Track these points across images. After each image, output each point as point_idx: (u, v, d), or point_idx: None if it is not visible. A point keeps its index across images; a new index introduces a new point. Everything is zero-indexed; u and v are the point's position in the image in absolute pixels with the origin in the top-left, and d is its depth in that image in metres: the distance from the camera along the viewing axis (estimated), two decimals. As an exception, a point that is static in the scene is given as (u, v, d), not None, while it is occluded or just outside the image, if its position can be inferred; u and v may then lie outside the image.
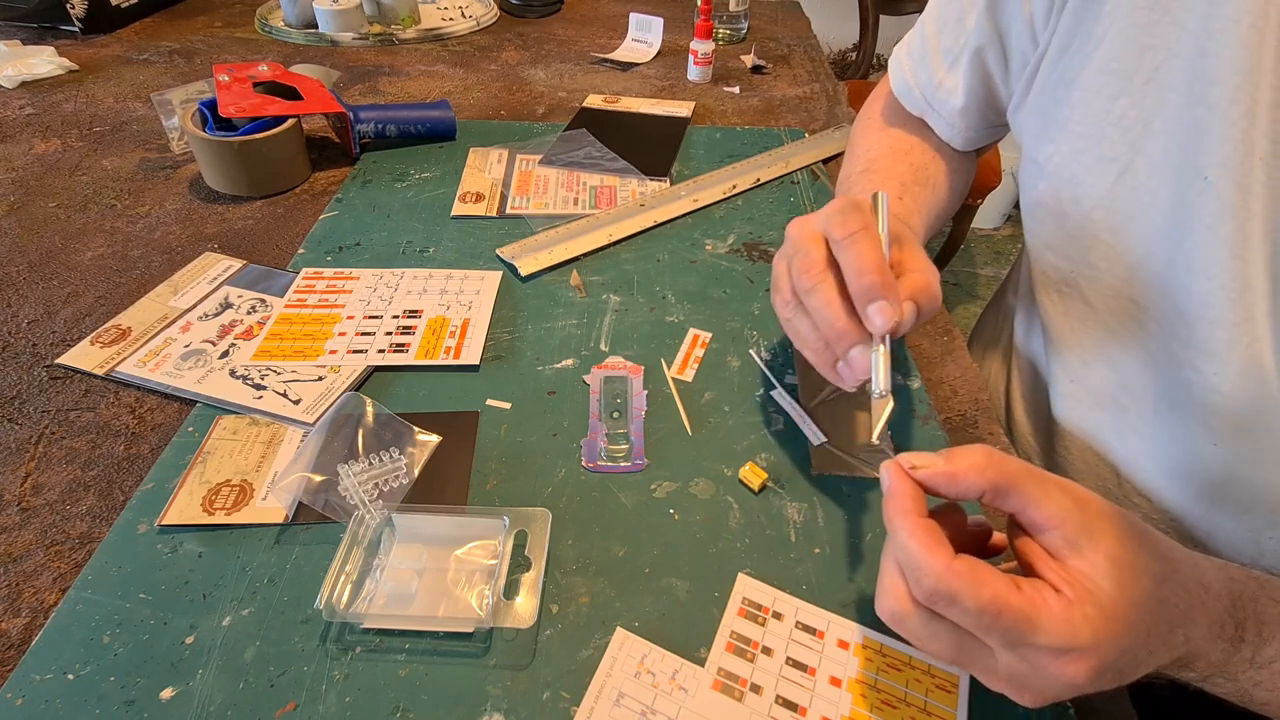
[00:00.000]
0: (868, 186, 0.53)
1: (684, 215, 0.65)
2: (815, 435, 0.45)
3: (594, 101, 0.85)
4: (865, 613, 0.36)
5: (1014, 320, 0.60)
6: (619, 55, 0.99)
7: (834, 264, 0.37)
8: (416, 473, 0.42)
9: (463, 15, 1.09)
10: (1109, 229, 0.43)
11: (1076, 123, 0.43)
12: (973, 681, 0.34)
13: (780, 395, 0.48)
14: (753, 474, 0.42)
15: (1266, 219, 0.36)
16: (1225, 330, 0.39)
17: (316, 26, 1.02)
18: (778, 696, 0.33)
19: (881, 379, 0.36)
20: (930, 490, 0.31)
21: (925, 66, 0.54)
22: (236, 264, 0.58)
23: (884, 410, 0.36)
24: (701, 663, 0.34)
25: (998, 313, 0.66)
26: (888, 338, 0.36)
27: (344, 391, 0.46)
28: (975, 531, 0.33)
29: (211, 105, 0.67)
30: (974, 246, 2.18)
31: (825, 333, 0.37)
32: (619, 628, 0.35)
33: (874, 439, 0.36)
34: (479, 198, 0.67)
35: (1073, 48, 0.43)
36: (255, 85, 0.70)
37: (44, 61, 0.89)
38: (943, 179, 0.56)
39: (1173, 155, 0.39)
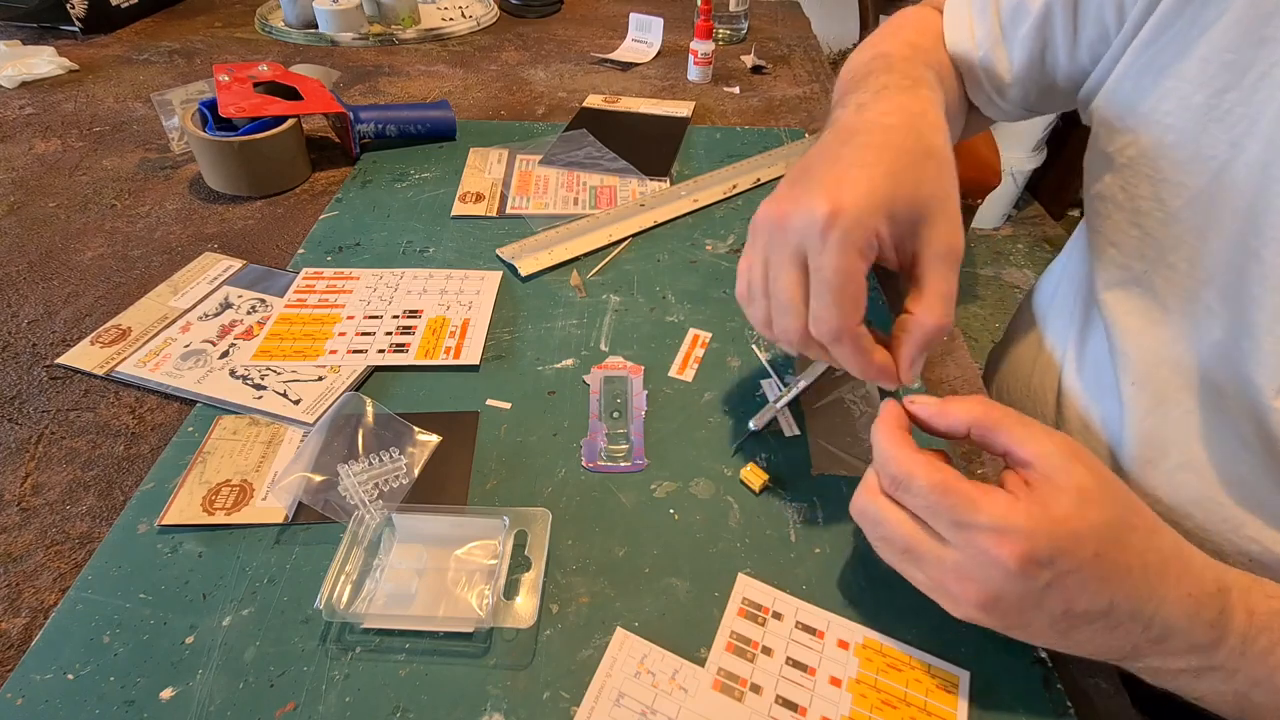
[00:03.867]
0: (882, 64, 0.45)
1: (684, 215, 0.65)
2: (790, 426, 0.45)
3: (594, 101, 0.85)
4: (866, 613, 0.36)
5: (1051, 325, 0.57)
6: (619, 55, 0.99)
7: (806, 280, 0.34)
8: (416, 473, 0.42)
9: (463, 15, 1.09)
10: (1195, 230, 0.40)
11: (1167, 114, 0.39)
12: (973, 682, 0.34)
13: (771, 386, 0.47)
14: (754, 475, 0.42)
15: None
16: None
17: (316, 26, 1.02)
18: (778, 696, 0.33)
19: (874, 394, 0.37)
20: (919, 422, 0.34)
21: (985, 20, 0.48)
22: (236, 264, 0.58)
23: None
24: (701, 663, 0.34)
25: (1026, 314, 0.62)
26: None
27: (344, 391, 0.46)
28: None
29: (211, 105, 0.67)
30: (974, 246, 2.18)
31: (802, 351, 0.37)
32: (619, 628, 0.35)
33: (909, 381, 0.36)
34: (479, 198, 0.67)
35: (1173, 30, 0.38)
36: (255, 85, 0.70)
37: (44, 61, 0.89)
38: (956, 96, 0.51)
39: (1268, 158, 0.36)
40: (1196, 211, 0.39)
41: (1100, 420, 0.50)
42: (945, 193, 0.35)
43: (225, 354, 0.49)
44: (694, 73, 0.92)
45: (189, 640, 0.35)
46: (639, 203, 0.66)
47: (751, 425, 0.44)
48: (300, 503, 0.40)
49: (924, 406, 0.34)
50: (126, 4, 1.05)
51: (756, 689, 0.33)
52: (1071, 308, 0.55)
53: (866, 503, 0.33)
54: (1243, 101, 0.36)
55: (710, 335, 0.52)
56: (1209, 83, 0.37)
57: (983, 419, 0.32)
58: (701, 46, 0.90)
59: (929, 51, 0.49)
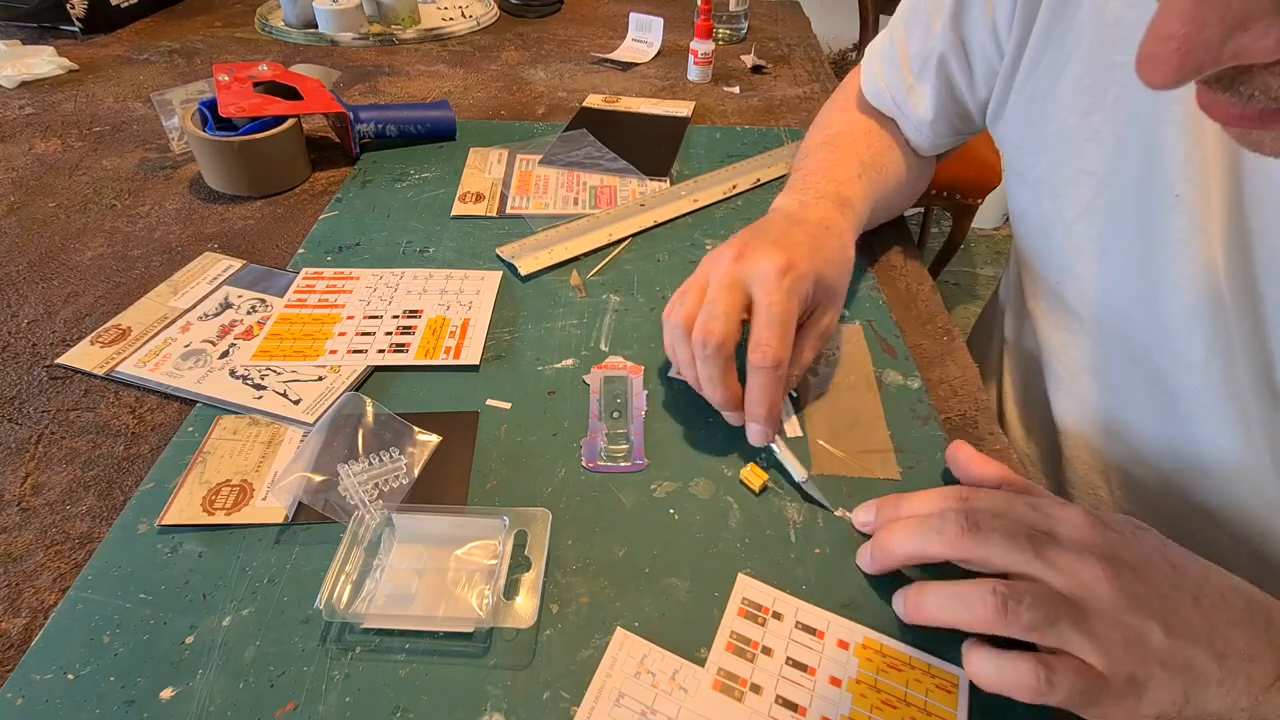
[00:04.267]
0: (826, 159, 0.54)
1: (684, 215, 0.65)
2: (794, 427, 0.45)
3: (594, 101, 0.85)
4: (866, 613, 0.36)
5: (1005, 321, 0.60)
6: (619, 55, 0.99)
7: (737, 321, 0.41)
8: (416, 473, 0.42)
9: (463, 15, 1.09)
10: (1091, 240, 0.43)
11: (1054, 135, 0.44)
12: (972, 683, 0.34)
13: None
14: (754, 475, 0.42)
15: (1225, 235, 0.36)
16: (1203, 347, 0.39)
17: (316, 26, 1.02)
18: (778, 696, 0.33)
19: (795, 467, 0.42)
20: (959, 465, 0.41)
21: (895, 70, 0.54)
22: (236, 264, 0.58)
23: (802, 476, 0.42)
24: (701, 663, 0.34)
25: (993, 313, 0.66)
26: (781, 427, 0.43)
27: (344, 391, 0.46)
28: None
29: (211, 105, 0.67)
30: (974, 246, 2.18)
31: (708, 397, 0.42)
32: (619, 628, 0.35)
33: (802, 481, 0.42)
34: (479, 198, 0.67)
35: (1044, 62, 0.43)
36: (255, 85, 0.70)
37: (44, 61, 0.89)
38: (897, 170, 0.56)
39: (1145, 170, 0.39)
40: (1090, 224, 0.43)
41: (1036, 422, 0.55)
42: (842, 291, 0.46)
43: (225, 354, 0.49)
44: (694, 73, 0.92)
45: (189, 640, 0.35)
46: (639, 203, 0.66)
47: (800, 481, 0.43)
48: (300, 503, 0.40)
49: (969, 452, 0.40)
50: (126, 4, 1.05)
51: (756, 689, 0.33)
52: (1010, 311, 0.60)
53: (989, 494, 0.36)
54: (1109, 120, 0.40)
55: (710, 335, 0.52)
56: (1077, 104, 0.42)
57: (1011, 481, 0.38)
58: (701, 46, 0.90)
59: (866, 138, 0.56)
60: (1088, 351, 0.48)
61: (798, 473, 0.41)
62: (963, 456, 0.40)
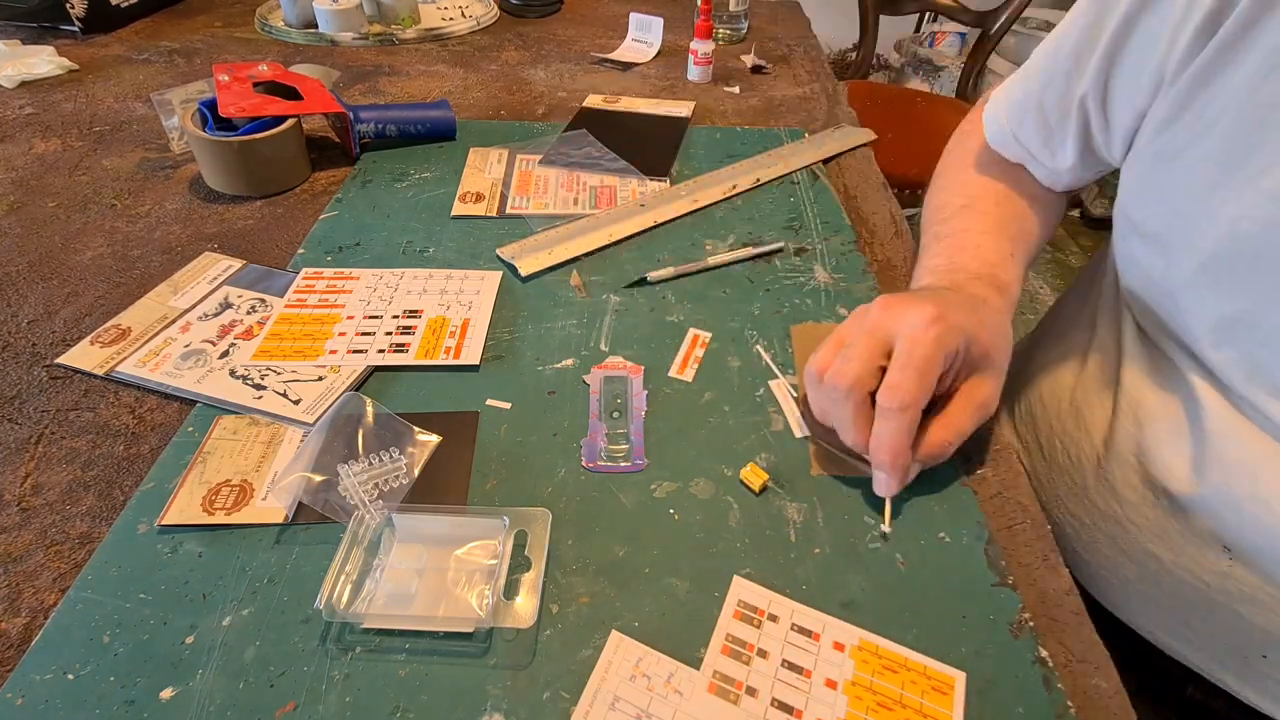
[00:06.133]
0: (968, 224, 0.52)
1: (684, 215, 0.65)
2: (801, 427, 0.45)
3: (594, 101, 0.85)
4: (863, 614, 0.36)
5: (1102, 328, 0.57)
6: (619, 55, 0.99)
7: (873, 371, 0.40)
8: (416, 473, 0.42)
9: (463, 15, 1.09)
10: (1197, 301, 0.43)
11: (1175, 198, 0.42)
12: (969, 683, 0.34)
13: (778, 386, 0.47)
14: (754, 475, 0.42)
15: None
16: None
17: (316, 26, 1.02)
18: (773, 699, 0.33)
19: (886, 518, 0.40)
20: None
21: (1028, 120, 0.52)
22: (236, 264, 0.58)
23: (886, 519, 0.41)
24: (699, 664, 0.34)
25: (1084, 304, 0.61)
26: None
27: (344, 391, 0.46)
28: None
29: (211, 105, 0.67)
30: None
31: (848, 443, 0.41)
32: (614, 631, 0.35)
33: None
34: (479, 198, 0.67)
35: (1181, 121, 0.41)
36: (255, 85, 0.70)
37: (44, 61, 0.89)
38: (1040, 231, 0.54)
39: (1255, 260, 0.38)
40: (1192, 298, 0.42)
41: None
42: (1004, 362, 0.42)
43: (225, 354, 0.49)
44: (694, 73, 0.92)
45: (189, 640, 0.35)
46: (639, 203, 0.66)
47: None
48: (300, 503, 0.40)
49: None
50: (126, 4, 1.05)
51: (752, 691, 0.33)
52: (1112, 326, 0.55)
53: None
54: (1230, 201, 0.39)
55: (710, 335, 0.52)
56: (1205, 175, 0.40)
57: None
58: (701, 46, 0.90)
59: (1009, 204, 0.54)
60: (1176, 387, 0.47)
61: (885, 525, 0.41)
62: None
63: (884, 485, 0.40)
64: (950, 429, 0.40)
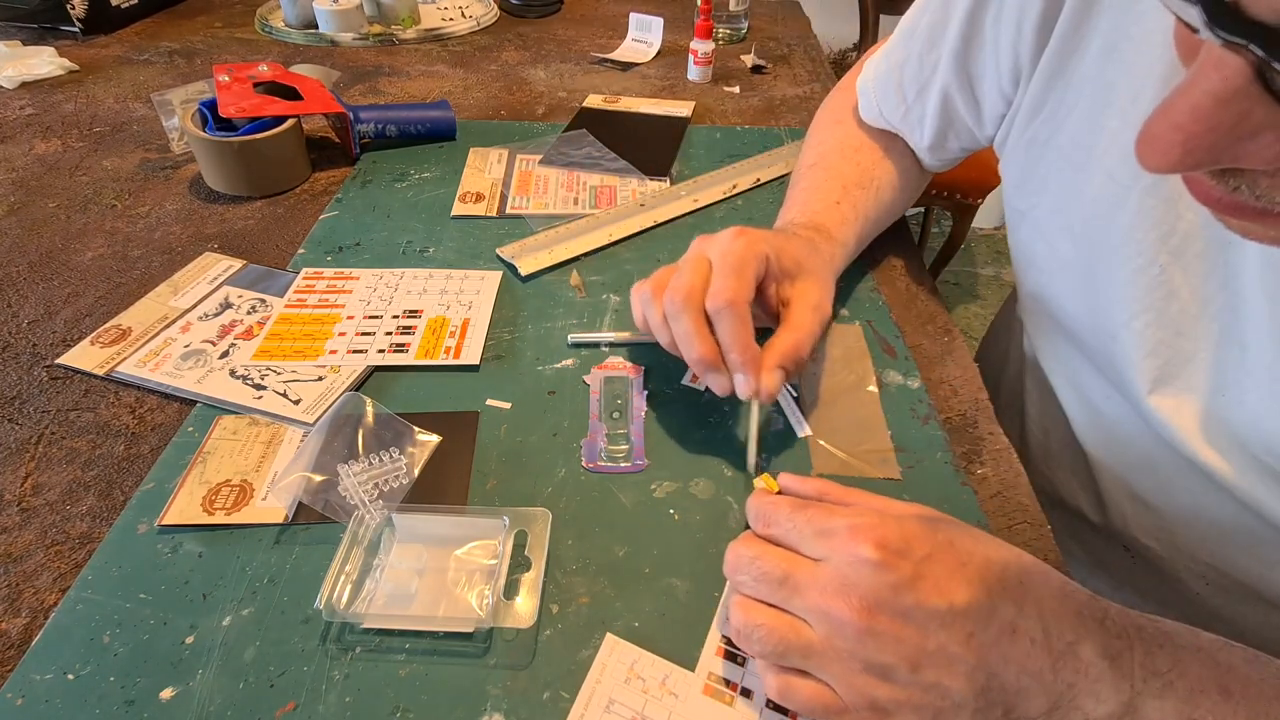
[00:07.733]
0: (814, 181, 0.55)
1: (684, 215, 0.65)
2: (800, 427, 0.45)
3: (594, 101, 0.85)
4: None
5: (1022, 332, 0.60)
6: (619, 55, 0.99)
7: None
8: (416, 473, 0.42)
9: (463, 15, 1.09)
10: (1085, 278, 0.44)
11: (1053, 183, 0.44)
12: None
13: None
14: (768, 485, 0.41)
15: (1204, 312, 0.38)
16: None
17: (316, 27, 1.02)
18: (769, 701, 0.33)
19: (751, 451, 0.42)
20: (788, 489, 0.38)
21: (891, 94, 0.53)
22: (236, 264, 0.58)
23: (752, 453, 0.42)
24: (693, 667, 0.34)
25: (1010, 321, 0.65)
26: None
27: (344, 391, 0.46)
28: None
29: (211, 105, 0.67)
30: (974, 246, 2.18)
31: (686, 356, 0.41)
32: (609, 634, 0.35)
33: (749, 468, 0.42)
34: (479, 198, 0.67)
35: (1044, 113, 0.43)
36: (255, 85, 0.70)
37: (44, 62, 0.89)
38: (890, 181, 0.55)
39: (1136, 235, 0.39)
40: (1081, 274, 0.43)
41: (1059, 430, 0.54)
42: (824, 270, 0.46)
43: (225, 354, 0.49)
44: (694, 72, 0.92)
45: (189, 640, 0.35)
46: (639, 203, 0.66)
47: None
48: (300, 503, 0.40)
49: (785, 479, 0.38)
50: (126, 4, 1.05)
51: (747, 693, 0.33)
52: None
53: (742, 546, 0.33)
54: (1109, 179, 0.39)
55: (710, 335, 0.52)
56: (1074, 158, 0.41)
57: (827, 492, 0.36)
58: (701, 46, 0.90)
59: (855, 155, 0.56)
60: (1076, 370, 0.49)
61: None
62: (785, 484, 0.38)
63: (746, 385, 0.40)
64: (796, 330, 0.42)
